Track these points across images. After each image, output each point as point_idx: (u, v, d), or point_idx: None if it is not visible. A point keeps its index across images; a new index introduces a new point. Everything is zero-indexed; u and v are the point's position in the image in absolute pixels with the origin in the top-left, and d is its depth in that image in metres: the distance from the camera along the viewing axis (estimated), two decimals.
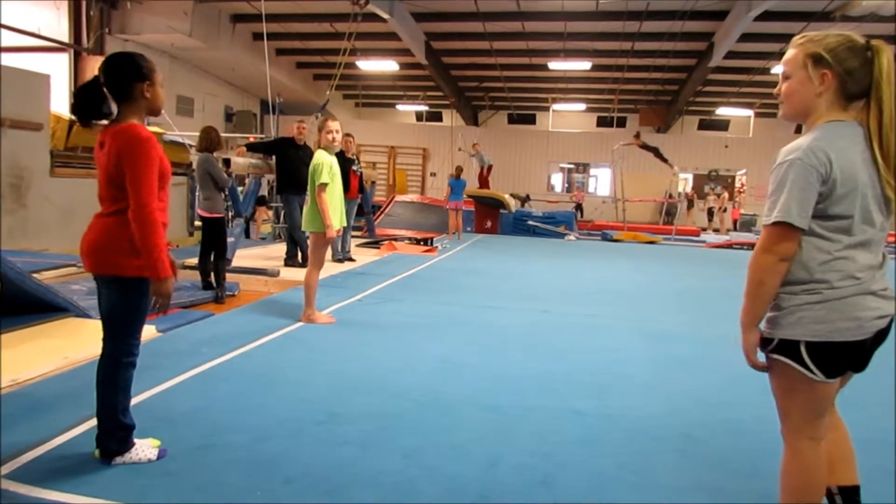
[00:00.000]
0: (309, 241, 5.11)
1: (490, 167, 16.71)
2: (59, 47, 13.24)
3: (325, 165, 4.82)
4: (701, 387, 3.72)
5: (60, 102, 12.21)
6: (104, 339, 2.40)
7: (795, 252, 1.72)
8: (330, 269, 7.56)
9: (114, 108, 2.39)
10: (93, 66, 13.35)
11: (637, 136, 17.79)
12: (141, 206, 2.24)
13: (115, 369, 2.37)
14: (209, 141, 5.90)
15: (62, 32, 13.28)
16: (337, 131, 4.98)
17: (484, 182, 16.33)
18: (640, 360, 4.29)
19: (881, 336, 1.76)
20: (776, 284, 1.74)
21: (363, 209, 11.31)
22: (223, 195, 5.83)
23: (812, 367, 1.73)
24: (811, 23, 13.43)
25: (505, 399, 3.35)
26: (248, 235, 11.07)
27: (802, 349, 1.73)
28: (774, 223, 1.70)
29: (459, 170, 13.29)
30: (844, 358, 1.75)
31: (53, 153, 8.26)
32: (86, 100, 2.35)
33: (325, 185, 4.80)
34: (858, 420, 3.15)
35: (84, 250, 2.38)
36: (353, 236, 9.42)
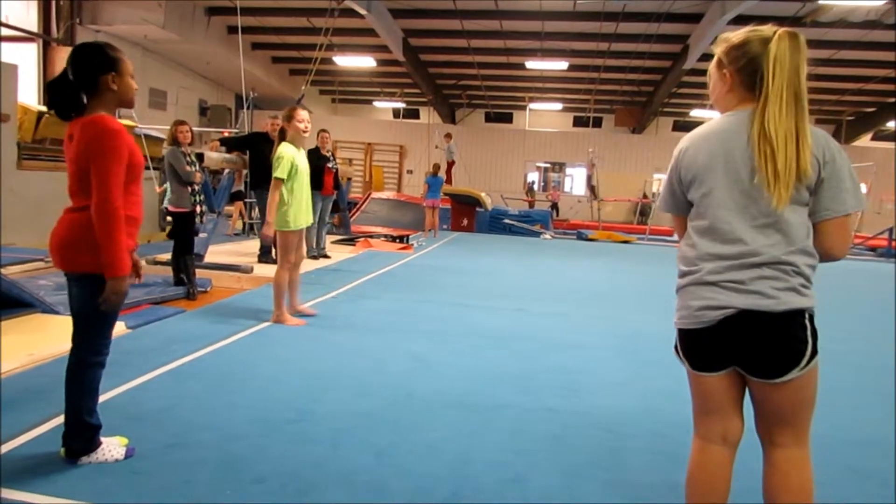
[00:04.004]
0: (276, 240, 4.90)
1: (453, 162, 16.80)
2: (28, 37, 12.94)
3: (287, 159, 4.58)
4: (673, 385, 3.75)
5: (28, 93, 11.95)
6: (73, 338, 2.34)
7: (679, 233, 1.90)
8: (304, 265, 7.48)
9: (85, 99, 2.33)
10: (62, 57, 12.98)
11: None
12: (104, 201, 2.18)
13: (83, 369, 2.31)
14: (172, 134, 5.87)
15: (31, 22, 12.98)
16: (308, 121, 4.76)
17: (449, 177, 16.35)
18: (613, 358, 4.33)
19: (745, 330, 1.65)
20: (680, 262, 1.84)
21: (339, 206, 11.25)
22: (189, 190, 5.74)
23: (680, 353, 1.81)
24: (783, 27, 13.67)
25: (478, 397, 3.36)
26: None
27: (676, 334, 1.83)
28: None
29: (437, 167, 13.29)
30: (691, 346, 1.76)
31: (21, 145, 8.06)
32: (58, 94, 2.28)
33: (281, 180, 4.57)
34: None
35: (53, 246, 2.30)
36: (328, 233, 9.36)
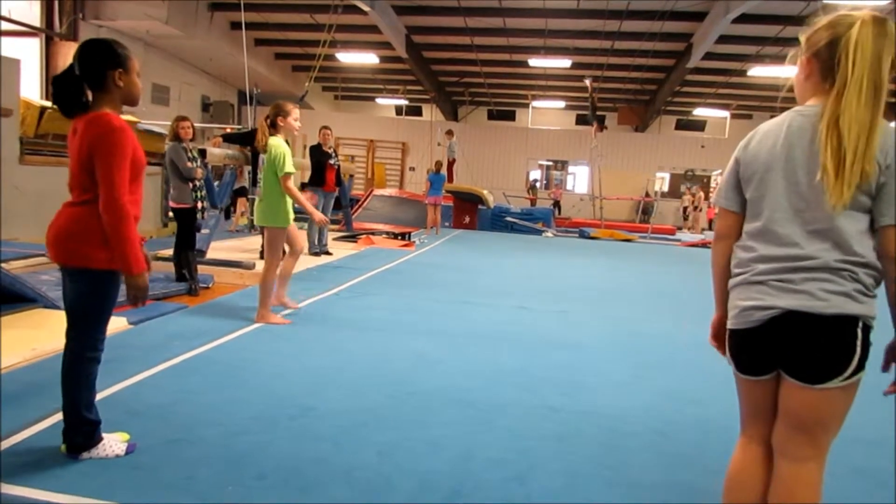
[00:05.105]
0: (264, 238, 4.83)
1: (454, 160, 16.78)
2: (31, 32, 12.93)
3: (288, 153, 4.55)
4: (674, 384, 3.76)
5: (31, 88, 11.95)
6: (68, 333, 2.33)
7: (728, 230, 1.78)
8: (307, 262, 7.51)
9: (90, 96, 2.32)
10: (65, 52, 13.05)
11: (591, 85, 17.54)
12: (113, 199, 2.18)
13: (79, 364, 2.31)
14: (173, 130, 5.86)
15: (34, 16, 12.97)
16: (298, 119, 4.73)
17: (449, 175, 16.33)
18: (614, 357, 4.33)
19: (791, 331, 1.60)
20: (717, 262, 1.81)
21: (341, 203, 11.25)
22: (190, 186, 5.74)
23: (728, 354, 1.78)
24: (787, 26, 13.63)
25: (480, 395, 3.35)
26: (227, 216, 11.02)
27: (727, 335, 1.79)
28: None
29: (439, 164, 13.30)
30: (739, 347, 1.73)
31: (23, 140, 8.05)
32: (64, 90, 2.27)
33: (290, 174, 4.52)
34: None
35: (50, 239, 2.30)
36: (330, 230, 9.36)
